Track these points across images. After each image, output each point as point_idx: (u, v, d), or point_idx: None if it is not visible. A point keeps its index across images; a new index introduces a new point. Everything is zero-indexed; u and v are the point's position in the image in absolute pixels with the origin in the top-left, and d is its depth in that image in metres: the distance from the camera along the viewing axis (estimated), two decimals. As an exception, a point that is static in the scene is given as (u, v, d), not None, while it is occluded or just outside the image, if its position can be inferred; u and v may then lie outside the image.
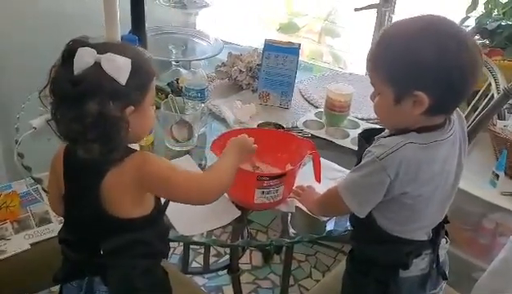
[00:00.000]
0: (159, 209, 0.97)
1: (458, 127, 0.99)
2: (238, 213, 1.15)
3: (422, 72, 0.88)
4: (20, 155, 1.29)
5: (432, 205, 0.98)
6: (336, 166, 1.31)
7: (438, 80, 0.89)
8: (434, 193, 0.97)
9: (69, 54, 0.84)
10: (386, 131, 1.01)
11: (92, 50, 0.84)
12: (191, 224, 1.11)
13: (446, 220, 1.06)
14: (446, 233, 1.08)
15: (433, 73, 0.88)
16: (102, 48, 0.85)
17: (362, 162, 0.96)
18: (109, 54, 0.84)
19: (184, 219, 1.11)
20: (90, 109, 0.82)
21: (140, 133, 0.96)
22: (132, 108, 0.87)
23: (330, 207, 1.11)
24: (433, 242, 1.03)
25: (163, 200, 1.00)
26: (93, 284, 0.95)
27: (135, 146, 1.21)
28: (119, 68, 0.84)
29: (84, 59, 0.83)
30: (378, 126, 1.07)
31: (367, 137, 1.05)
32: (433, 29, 0.89)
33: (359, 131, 1.47)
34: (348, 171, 1.25)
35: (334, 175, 1.26)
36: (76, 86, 0.82)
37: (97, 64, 0.83)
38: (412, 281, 1.02)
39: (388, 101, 0.94)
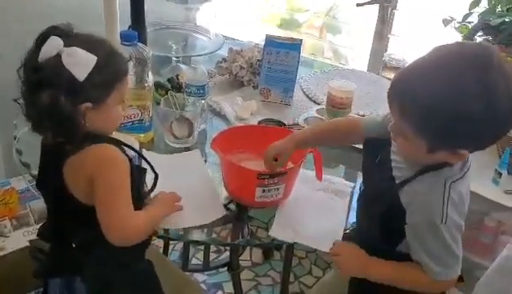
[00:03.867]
0: (138, 199, 0.95)
1: None
2: (223, 212, 1.13)
3: (467, 131, 0.79)
4: (19, 152, 1.28)
5: None
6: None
7: (484, 137, 0.83)
8: None
9: (41, 39, 0.85)
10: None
11: (60, 40, 0.84)
12: (174, 218, 1.08)
13: None
14: None
15: (481, 131, 0.80)
16: (72, 40, 0.85)
17: (430, 238, 0.89)
18: (72, 48, 0.84)
19: None
20: (42, 99, 0.83)
21: (103, 129, 0.94)
22: (88, 104, 0.86)
23: (424, 290, 0.98)
24: None
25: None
26: (74, 283, 0.95)
27: (135, 143, 1.20)
28: (78, 63, 0.83)
29: (49, 48, 0.84)
30: (381, 138, 0.99)
31: (373, 149, 1.02)
32: (480, 81, 0.77)
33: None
34: (339, 180, 1.25)
35: (320, 185, 1.22)
36: (35, 73, 0.84)
37: (59, 56, 0.84)
38: None
39: (418, 148, 0.86)
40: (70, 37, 0.86)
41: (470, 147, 0.85)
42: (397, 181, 0.94)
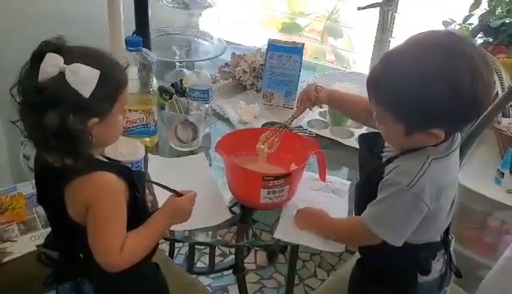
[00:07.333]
0: (137, 215, 0.93)
1: None
2: (228, 215, 1.15)
3: (437, 112, 0.84)
4: (26, 157, 1.30)
5: (448, 211, 0.98)
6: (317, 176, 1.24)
7: (455, 116, 0.85)
8: (452, 200, 0.97)
9: (37, 57, 0.82)
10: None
11: (60, 58, 0.81)
12: None
13: None
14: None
15: (448, 111, 0.83)
16: (71, 56, 0.82)
17: (387, 192, 0.91)
18: (74, 65, 0.81)
19: None
20: (50, 121, 0.80)
21: (107, 141, 0.94)
22: (96, 120, 0.85)
23: (357, 240, 1.06)
24: (445, 242, 1.02)
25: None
26: (83, 285, 0.96)
27: (141, 148, 1.22)
28: (83, 80, 0.81)
29: (49, 67, 0.81)
30: (376, 132, 1.03)
31: (368, 143, 1.04)
32: (443, 64, 0.82)
33: (364, 130, 1.47)
34: (334, 179, 1.26)
35: (318, 185, 1.24)
36: (38, 95, 0.80)
37: (61, 75, 0.81)
38: (431, 284, 1.01)
39: (397, 132, 0.89)
40: (66, 52, 0.83)
41: (442, 127, 0.86)
42: (383, 160, 0.97)
